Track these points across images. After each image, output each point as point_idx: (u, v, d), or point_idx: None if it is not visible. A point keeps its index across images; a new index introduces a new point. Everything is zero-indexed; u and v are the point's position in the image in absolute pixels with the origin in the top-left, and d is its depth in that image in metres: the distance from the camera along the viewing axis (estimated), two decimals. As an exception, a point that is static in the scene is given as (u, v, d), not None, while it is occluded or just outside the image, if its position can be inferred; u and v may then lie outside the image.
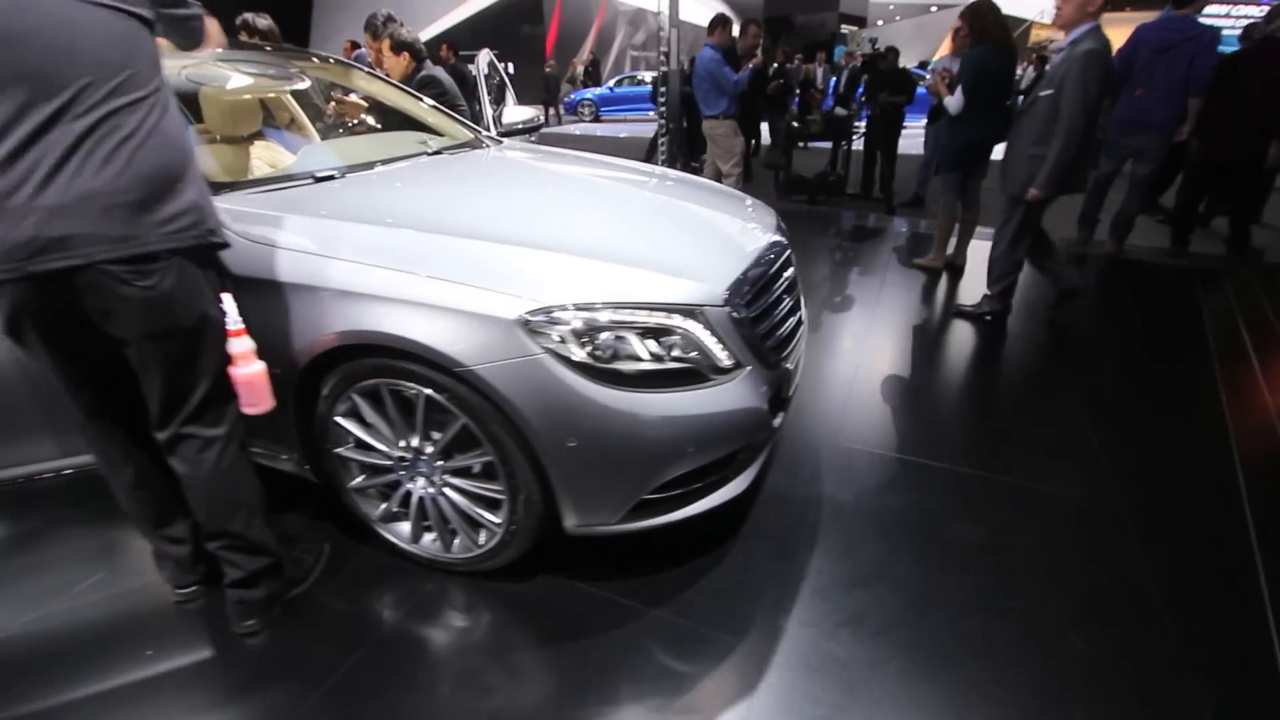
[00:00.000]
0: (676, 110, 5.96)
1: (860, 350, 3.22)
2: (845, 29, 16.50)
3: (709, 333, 1.57)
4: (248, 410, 1.43)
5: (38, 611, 1.64)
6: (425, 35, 11.19)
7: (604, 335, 1.44)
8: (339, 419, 1.63)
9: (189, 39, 1.42)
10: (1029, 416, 2.64)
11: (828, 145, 7.03)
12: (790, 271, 2.03)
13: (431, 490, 1.67)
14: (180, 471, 1.43)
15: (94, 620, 1.63)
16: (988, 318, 3.52)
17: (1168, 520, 1.98)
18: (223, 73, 2.20)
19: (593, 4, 22.06)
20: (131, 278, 1.21)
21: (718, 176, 5.15)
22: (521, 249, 1.56)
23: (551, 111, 16.12)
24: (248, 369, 1.39)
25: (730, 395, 1.59)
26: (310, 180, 1.87)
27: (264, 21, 3.37)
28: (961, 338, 3.41)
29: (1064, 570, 1.80)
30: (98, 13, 1.16)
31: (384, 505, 1.75)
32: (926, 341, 3.40)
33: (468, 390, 1.44)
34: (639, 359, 1.48)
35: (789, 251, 2.07)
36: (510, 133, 3.24)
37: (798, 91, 7.78)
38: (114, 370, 1.35)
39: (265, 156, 2.13)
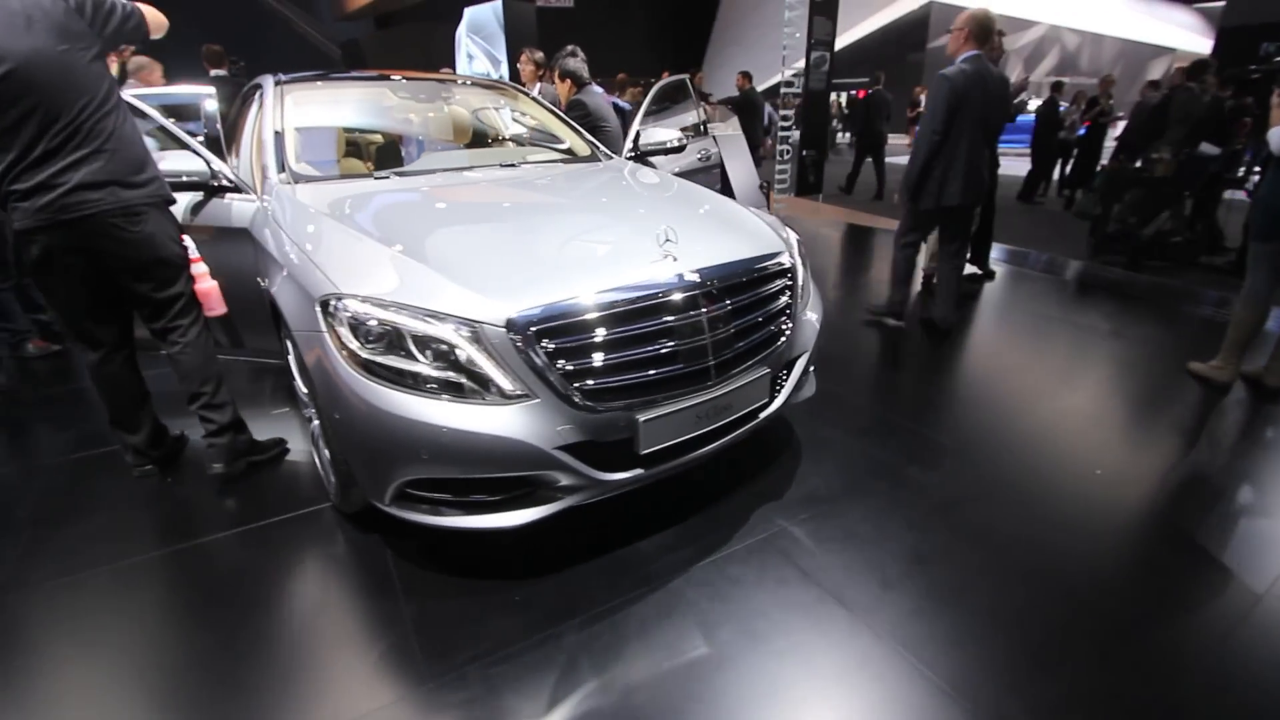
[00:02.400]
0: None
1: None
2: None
3: (483, 352, 1.55)
4: (209, 313, 2.10)
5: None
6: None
7: (374, 328, 1.57)
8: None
9: (137, 35, 1.96)
10: None
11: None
12: (708, 316, 1.75)
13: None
14: (170, 352, 2.11)
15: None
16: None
17: None
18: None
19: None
20: (127, 224, 1.90)
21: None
22: (392, 249, 1.76)
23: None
24: (205, 284, 2.12)
25: (491, 420, 1.53)
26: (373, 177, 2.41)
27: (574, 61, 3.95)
28: None
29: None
30: (75, 57, 1.81)
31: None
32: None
33: (295, 351, 1.75)
34: (413, 359, 1.57)
35: (727, 302, 1.79)
36: (647, 153, 3.40)
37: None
38: (107, 297, 2.04)
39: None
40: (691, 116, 4.29)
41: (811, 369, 2.35)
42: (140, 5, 2.01)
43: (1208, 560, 1.86)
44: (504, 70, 8.73)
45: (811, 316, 2.21)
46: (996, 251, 5.42)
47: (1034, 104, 9.26)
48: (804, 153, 3.02)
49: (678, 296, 1.72)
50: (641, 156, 3.46)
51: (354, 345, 1.58)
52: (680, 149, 3.45)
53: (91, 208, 1.86)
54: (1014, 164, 9.70)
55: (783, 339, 1.99)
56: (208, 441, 2.20)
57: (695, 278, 1.76)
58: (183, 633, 1.66)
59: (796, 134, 3.01)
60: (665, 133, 3.44)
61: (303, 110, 2.66)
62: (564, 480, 1.63)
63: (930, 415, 2.70)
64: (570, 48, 3.72)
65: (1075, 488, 2.19)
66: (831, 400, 2.86)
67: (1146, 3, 20.93)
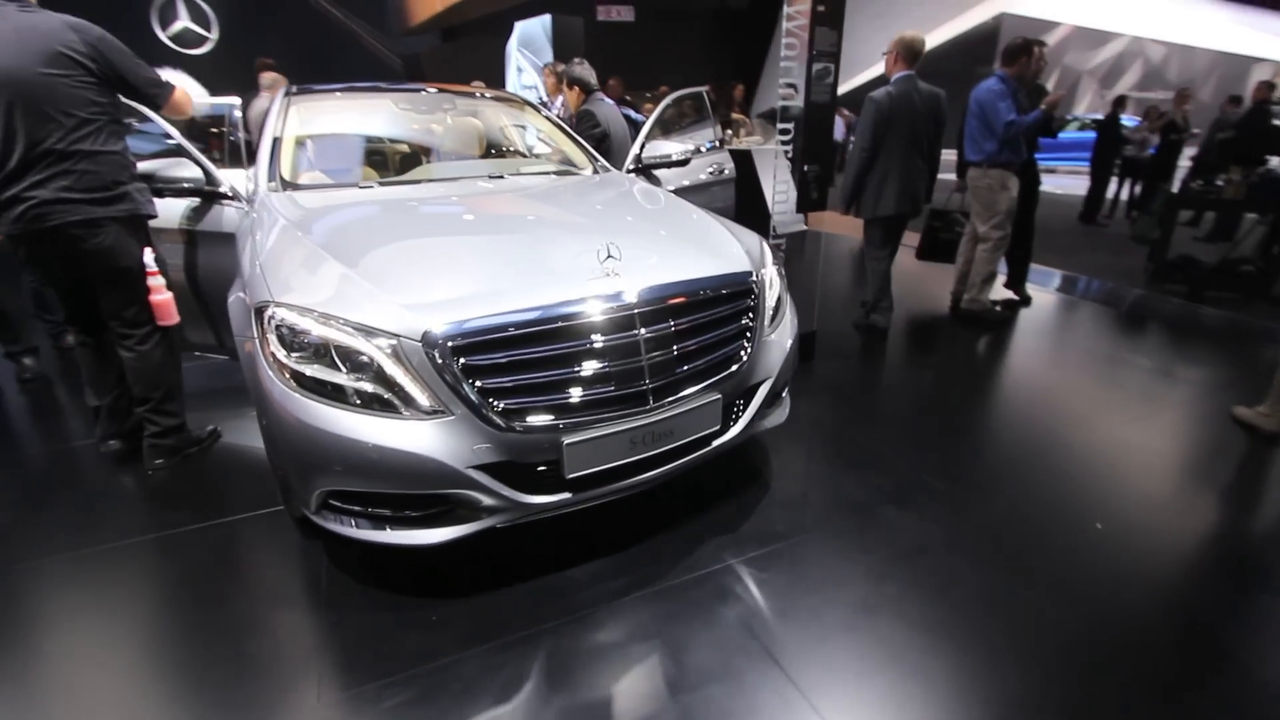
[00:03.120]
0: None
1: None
2: None
3: (400, 367, 1.52)
4: (161, 322, 2.20)
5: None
6: (863, 77, 11.43)
7: (300, 337, 1.57)
8: None
9: (150, 105, 2.21)
10: None
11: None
12: (648, 334, 1.68)
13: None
14: (124, 356, 2.27)
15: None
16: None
17: None
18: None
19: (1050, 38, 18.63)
20: (88, 235, 2.05)
21: (975, 239, 4.09)
22: (336, 261, 1.75)
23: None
24: (159, 296, 2.20)
25: (405, 436, 1.50)
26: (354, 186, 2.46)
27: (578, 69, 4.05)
28: None
29: None
30: (59, 82, 1.96)
31: None
32: None
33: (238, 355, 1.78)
34: (335, 370, 1.56)
35: (670, 323, 1.71)
36: (650, 166, 3.35)
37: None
38: (83, 290, 2.22)
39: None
40: (709, 130, 4.23)
41: (784, 394, 2.24)
42: (177, 90, 2.23)
43: (1206, 644, 1.63)
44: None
45: (781, 340, 2.10)
46: (1042, 276, 5.09)
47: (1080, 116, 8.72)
48: (805, 168, 2.91)
49: (611, 316, 1.65)
50: (644, 169, 3.42)
51: (280, 354, 1.59)
52: (684, 162, 3.37)
53: (57, 219, 2.02)
54: (1075, 182, 9.18)
55: (738, 363, 1.89)
56: (148, 441, 2.35)
57: (632, 298, 1.69)
58: (93, 623, 1.70)
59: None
60: (671, 146, 3.37)
61: (306, 121, 2.75)
62: (484, 500, 1.59)
63: (926, 452, 2.51)
64: (577, 59, 3.72)
65: (1065, 542, 1.98)
66: (818, 428, 2.72)
67: (1249, 12, 19.38)
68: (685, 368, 1.77)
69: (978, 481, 2.30)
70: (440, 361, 1.51)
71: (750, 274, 1.98)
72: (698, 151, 3.72)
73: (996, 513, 2.13)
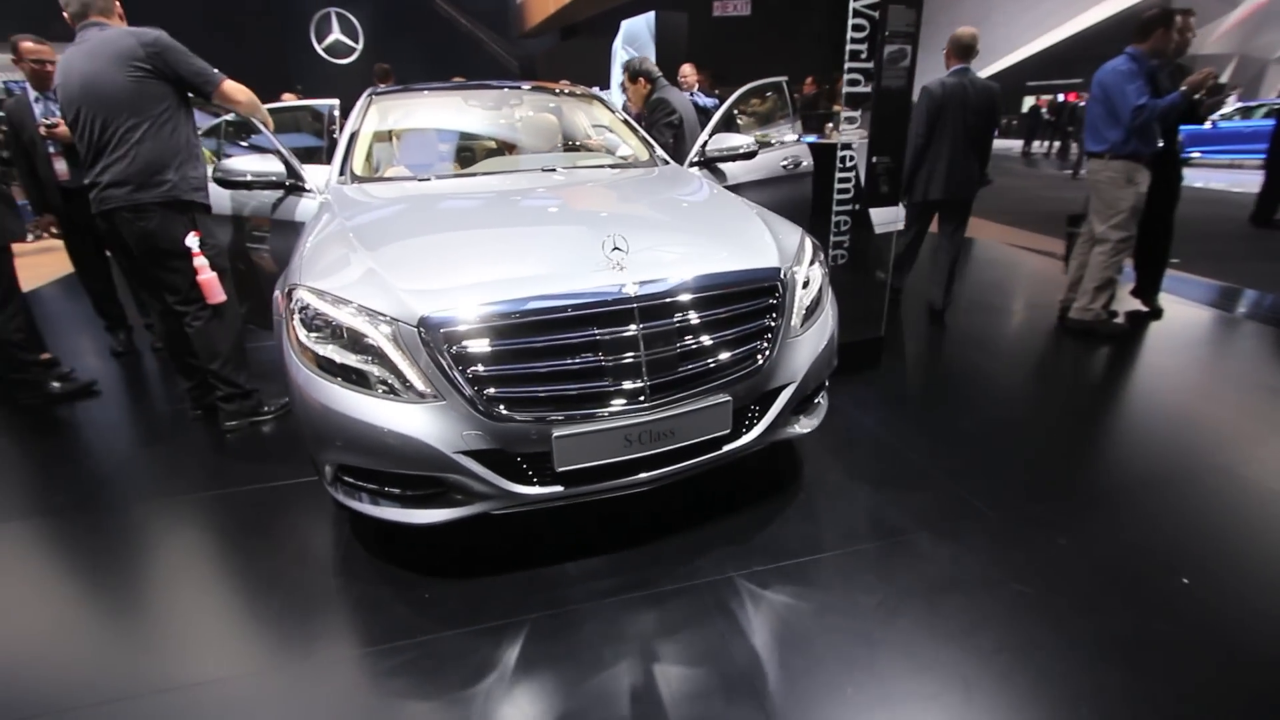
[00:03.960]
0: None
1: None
2: None
3: (399, 351, 1.58)
4: (209, 301, 2.45)
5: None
6: (1006, 62, 10.65)
7: (316, 318, 1.67)
8: None
9: (202, 92, 2.43)
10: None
11: None
12: (653, 328, 1.62)
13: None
14: (187, 330, 2.57)
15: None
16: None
17: None
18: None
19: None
20: (135, 218, 2.37)
21: (1092, 241, 3.60)
22: (364, 247, 1.83)
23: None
24: (204, 276, 2.44)
25: (397, 417, 1.56)
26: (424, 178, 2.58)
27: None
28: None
29: None
30: (125, 76, 2.28)
31: None
32: None
33: None
34: (343, 351, 1.64)
35: (674, 318, 1.65)
36: (714, 159, 3.26)
37: None
38: (148, 268, 2.53)
39: None
40: (787, 123, 4.04)
41: (819, 400, 2.09)
42: (226, 81, 2.47)
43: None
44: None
45: (814, 342, 1.95)
46: (1190, 287, 4.40)
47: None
48: (873, 160, 2.66)
49: (607, 309, 1.61)
50: (708, 162, 3.33)
51: (301, 333, 1.70)
52: (750, 155, 3.24)
53: (112, 203, 2.37)
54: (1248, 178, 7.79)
55: (753, 365, 1.78)
56: (218, 404, 2.68)
57: (633, 290, 1.64)
58: (142, 563, 1.92)
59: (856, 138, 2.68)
60: (738, 138, 3.25)
61: (381, 118, 2.94)
62: (474, 486, 1.61)
63: (984, 477, 2.24)
64: (640, 56, 3.70)
65: (1136, 595, 1.68)
66: (866, 440, 2.52)
67: None
68: (690, 366, 1.69)
69: (1038, 516, 2.02)
70: (433, 347, 1.55)
71: (776, 271, 1.85)
72: (765, 144, 3.56)
73: (1053, 554, 1.85)
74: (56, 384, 3.06)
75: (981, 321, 4.02)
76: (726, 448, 1.82)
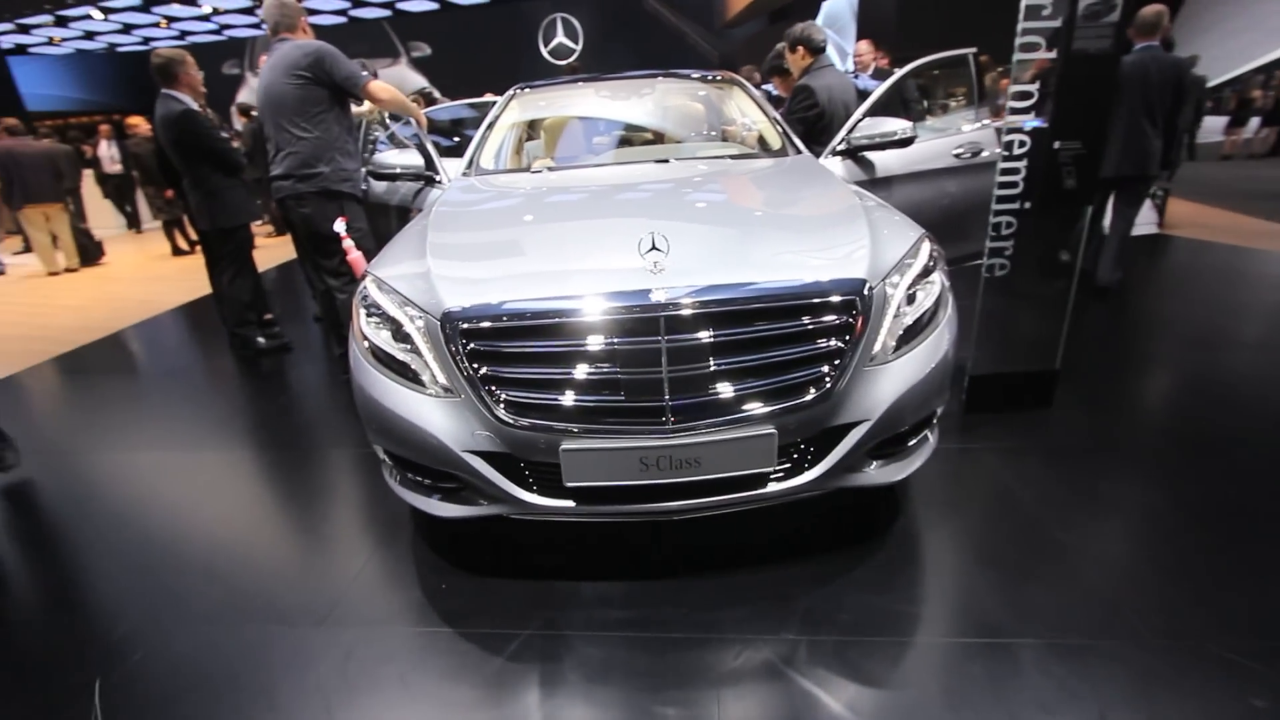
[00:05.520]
0: None
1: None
2: None
3: (428, 342, 1.58)
4: (357, 276, 2.66)
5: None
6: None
7: (373, 305, 1.73)
8: None
9: (352, 92, 2.73)
10: None
11: None
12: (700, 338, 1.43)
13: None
14: (337, 299, 2.90)
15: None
16: None
17: None
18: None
19: None
20: (296, 205, 2.73)
21: None
22: (437, 238, 1.86)
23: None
24: (352, 255, 2.72)
25: (416, 408, 1.56)
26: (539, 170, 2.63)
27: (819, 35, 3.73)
28: None
29: None
30: (289, 86, 2.63)
31: None
32: None
33: None
34: (390, 340, 1.68)
35: (707, 332, 1.43)
36: (860, 148, 2.86)
37: None
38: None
39: None
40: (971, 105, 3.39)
41: (918, 443, 1.70)
42: (372, 82, 2.77)
43: None
44: (849, 64, 8.21)
45: (907, 373, 1.58)
46: None
47: None
48: (1056, 145, 2.03)
49: (632, 317, 1.44)
50: (853, 151, 2.92)
51: (361, 317, 1.79)
52: (906, 142, 2.77)
53: (282, 193, 2.74)
54: None
55: (811, 394, 1.48)
56: None
57: (661, 297, 1.44)
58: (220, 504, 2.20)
59: (1029, 121, 1.95)
60: (894, 123, 2.80)
61: (519, 112, 3.06)
62: (482, 487, 1.57)
63: (1155, 580, 1.63)
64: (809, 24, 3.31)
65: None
66: (1000, 504, 2.00)
67: None
68: (724, 389, 1.46)
69: (1231, 662, 1.40)
70: (452, 342, 1.52)
71: (857, 284, 1.51)
72: (920, 127, 3.01)
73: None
74: (262, 340, 3.72)
75: (1206, 359, 3.00)
76: (771, 487, 1.55)
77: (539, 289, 1.53)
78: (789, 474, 1.56)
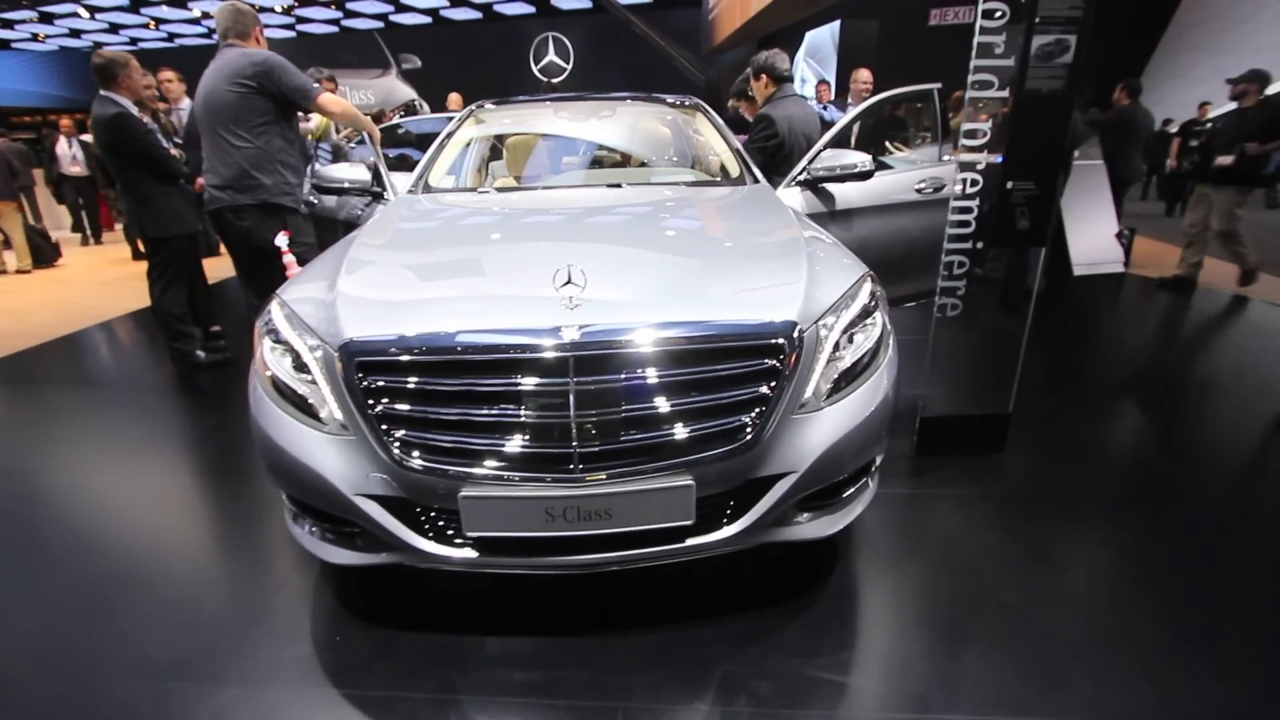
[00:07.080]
0: None
1: None
2: None
3: (324, 374, 1.45)
4: None
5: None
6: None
7: (272, 327, 1.59)
8: None
9: (302, 104, 2.62)
10: None
11: None
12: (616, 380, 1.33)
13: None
14: None
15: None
16: None
17: None
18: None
19: None
20: (234, 218, 2.54)
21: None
22: (351, 263, 1.74)
23: None
24: (292, 271, 2.61)
25: (307, 446, 1.43)
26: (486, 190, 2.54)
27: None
28: None
29: None
30: (232, 90, 2.54)
31: None
32: None
33: None
34: (286, 369, 1.54)
35: (620, 375, 1.33)
36: (819, 180, 2.81)
37: None
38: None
39: None
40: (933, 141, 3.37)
41: (851, 494, 1.60)
42: (325, 93, 2.70)
43: None
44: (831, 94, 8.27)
45: (841, 417, 1.48)
46: None
47: None
48: (1009, 185, 1.99)
49: (537, 356, 1.33)
50: (813, 183, 2.86)
51: (266, 345, 1.65)
52: (866, 175, 2.72)
53: (218, 204, 2.62)
54: None
55: (731, 443, 1.38)
56: None
57: (571, 335, 1.34)
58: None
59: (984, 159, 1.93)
60: (853, 155, 2.76)
61: (472, 130, 2.97)
62: (377, 533, 1.44)
63: (1127, 676, 1.54)
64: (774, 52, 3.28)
65: None
66: (940, 557, 1.90)
67: None
68: (636, 435, 1.35)
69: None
70: (347, 375, 1.40)
71: (785, 326, 1.42)
72: (879, 164, 2.97)
73: None
74: (201, 354, 3.55)
75: (1164, 403, 2.96)
76: (690, 541, 1.44)
77: (445, 320, 1.42)
78: (709, 528, 1.45)
